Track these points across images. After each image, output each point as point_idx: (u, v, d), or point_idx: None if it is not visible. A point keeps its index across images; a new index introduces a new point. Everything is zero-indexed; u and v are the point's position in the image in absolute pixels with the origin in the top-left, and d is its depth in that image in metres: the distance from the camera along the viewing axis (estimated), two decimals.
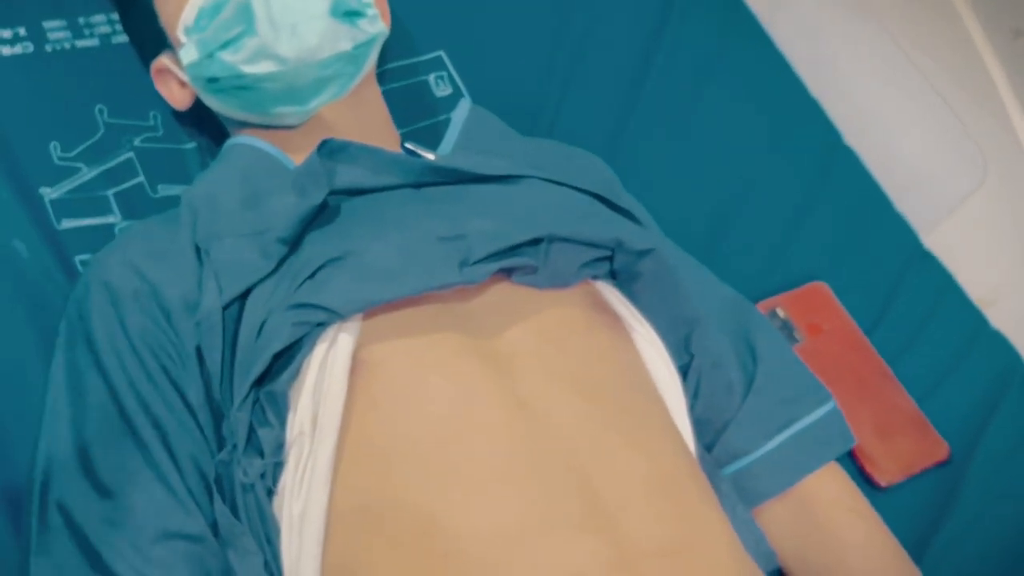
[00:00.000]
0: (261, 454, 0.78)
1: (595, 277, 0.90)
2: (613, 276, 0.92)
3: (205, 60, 0.91)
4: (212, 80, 0.92)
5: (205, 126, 1.06)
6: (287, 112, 0.93)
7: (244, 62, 0.89)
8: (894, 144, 1.27)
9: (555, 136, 1.15)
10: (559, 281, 0.86)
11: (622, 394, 0.82)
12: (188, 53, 0.92)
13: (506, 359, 0.79)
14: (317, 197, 0.83)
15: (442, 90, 1.18)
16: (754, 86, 1.27)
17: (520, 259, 0.83)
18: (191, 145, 1.08)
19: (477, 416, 0.75)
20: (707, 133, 1.22)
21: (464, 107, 1.05)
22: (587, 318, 0.86)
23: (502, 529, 0.70)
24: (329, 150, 0.87)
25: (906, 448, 1.04)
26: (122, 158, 1.04)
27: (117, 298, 0.83)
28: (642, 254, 0.89)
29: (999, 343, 1.14)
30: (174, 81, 0.99)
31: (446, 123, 1.04)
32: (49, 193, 1.00)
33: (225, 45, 0.89)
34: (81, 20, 1.09)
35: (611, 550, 0.70)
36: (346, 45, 0.90)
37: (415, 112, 1.15)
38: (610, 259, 0.90)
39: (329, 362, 0.77)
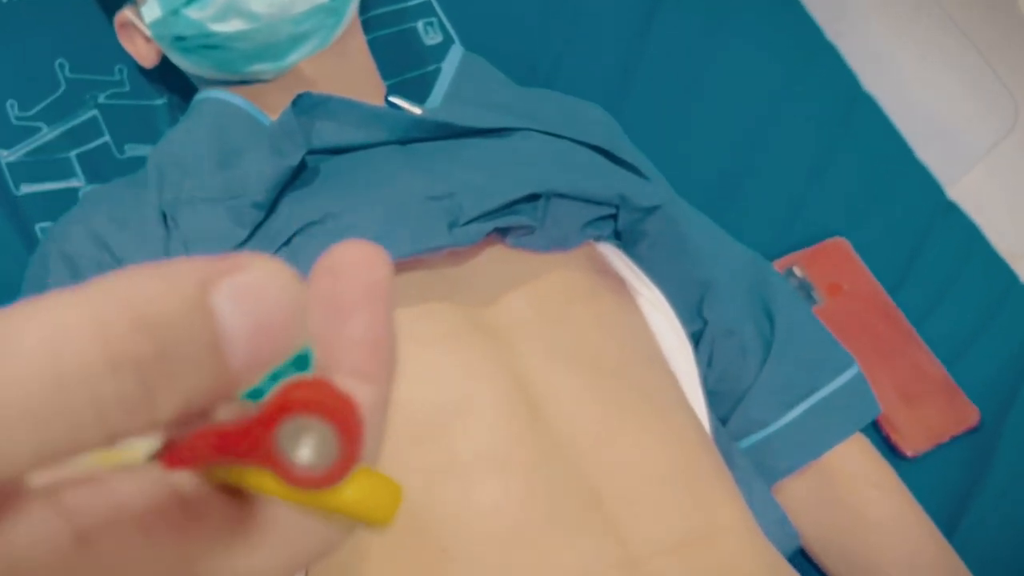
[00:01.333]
0: None
1: (598, 238, 0.85)
2: (617, 236, 0.87)
3: (170, 17, 0.84)
4: (179, 39, 0.86)
5: (176, 81, 1.00)
6: (262, 69, 0.87)
7: (212, 19, 0.83)
8: (917, 90, 1.21)
9: (555, 86, 1.10)
10: (559, 242, 0.80)
11: (629, 369, 0.77)
12: (151, 10, 0.86)
13: (503, 332, 0.74)
14: (294, 157, 0.78)
15: (432, 37, 1.12)
16: (767, 30, 1.21)
17: (516, 218, 0.78)
18: (161, 101, 1.03)
19: (474, 397, 0.70)
20: (718, 81, 1.17)
21: (455, 55, 0.98)
22: (590, 283, 0.80)
23: (501, 527, 0.65)
24: (306, 105, 0.81)
25: (934, 415, 0.99)
26: (85, 116, 0.99)
27: (78, 270, 0.79)
28: (648, 211, 0.84)
29: None
30: (139, 36, 0.93)
31: (436, 73, 0.98)
32: (6, 156, 0.95)
33: (190, 1, 0.82)
34: None
35: (617, 548, 0.65)
36: None
37: (403, 62, 1.09)
38: (614, 217, 0.85)
39: None
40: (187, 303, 0.19)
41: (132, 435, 0.19)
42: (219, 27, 0.83)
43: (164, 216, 0.79)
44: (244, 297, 0.19)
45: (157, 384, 0.18)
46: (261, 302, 0.20)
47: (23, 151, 0.95)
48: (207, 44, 0.85)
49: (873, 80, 1.20)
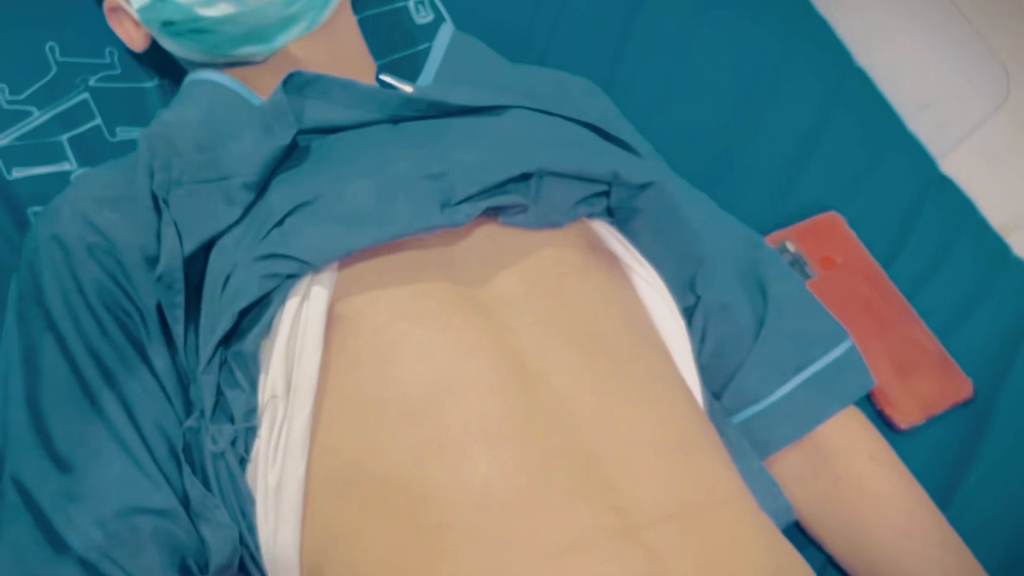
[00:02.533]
0: (231, 420, 0.72)
1: (591, 215, 0.85)
2: (610, 214, 0.86)
3: (158, 3, 0.84)
4: (167, 24, 0.86)
5: (167, 63, 0.99)
6: (252, 52, 0.87)
7: (200, 4, 0.82)
8: (908, 63, 1.21)
9: (547, 63, 1.10)
10: (551, 220, 0.80)
11: (622, 343, 0.76)
12: None
13: (496, 308, 0.73)
14: (285, 137, 0.77)
15: (423, 16, 1.12)
16: (758, 5, 1.21)
17: (508, 197, 0.78)
18: (152, 83, 1.02)
19: (467, 373, 0.69)
20: (709, 56, 1.16)
21: (446, 33, 0.98)
22: (583, 260, 0.80)
23: (496, 498, 0.65)
24: (297, 84, 0.80)
25: (927, 387, 0.99)
26: (76, 100, 0.98)
27: (70, 253, 0.78)
28: (641, 188, 0.83)
29: None
30: (129, 21, 0.92)
31: (427, 52, 0.97)
32: None
33: None
34: None
35: (614, 517, 0.65)
36: None
37: (394, 41, 1.09)
38: (607, 194, 0.84)
39: (302, 318, 0.72)
40: None
41: None
42: (207, 11, 0.83)
43: (155, 198, 0.78)
44: None
45: None
46: None
47: (14, 135, 0.94)
48: (195, 28, 0.85)
49: (865, 54, 1.19)
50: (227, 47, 0.86)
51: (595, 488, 0.66)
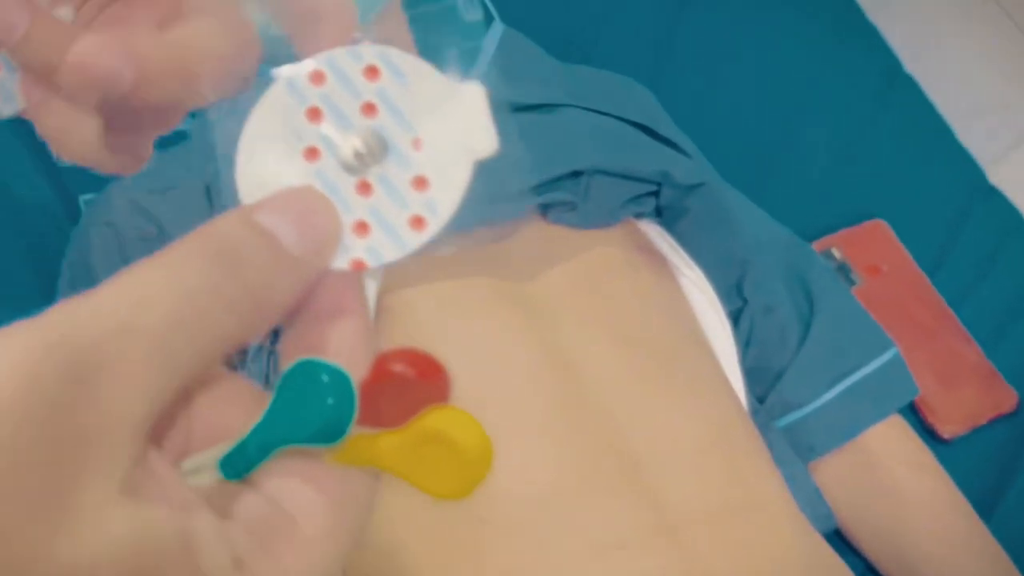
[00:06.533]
0: None
1: (638, 215, 0.85)
2: (658, 214, 0.86)
3: None
4: None
5: None
6: None
7: None
8: (957, 71, 1.20)
9: (593, 63, 1.09)
10: (600, 219, 0.80)
11: (667, 344, 0.76)
12: None
13: (541, 304, 0.73)
14: None
15: (472, 14, 1.11)
16: (807, 9, 1.20)
17: (558, 194, 0.78)
18: None
19: (511, 367, 0.70)
20: (756, 60, 1.16)
21: (496, 31, 0.98)
22: (630, 260, 0.80)
23: (536, 492, 0.65)
24: None
25: (971, 398, 0.98)
26: None
27: (122, 241, 0.78)
28: (691, 189, 0.83)
29: None
30: None
31: (476, 50, 0.97)
32: None
33: None
34: None
35: (653, 515, 0.65)
36: None
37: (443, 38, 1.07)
38: (655, 194, 0.84)
39: None
40: (240, 227, 0.25)
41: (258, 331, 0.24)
42: None
43: (208, 189, 0.79)
44: (277, 204, 0.25)
45: (255, 292, 0.24)
46: (291, 202, 0.26)
47: None
48: None
49: (914, 61, 1.18)
50: None
51: (634, 487, 0.66)
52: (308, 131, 0.28)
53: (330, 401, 0.25)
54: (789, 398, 0.85)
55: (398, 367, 0.26)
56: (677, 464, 0.68)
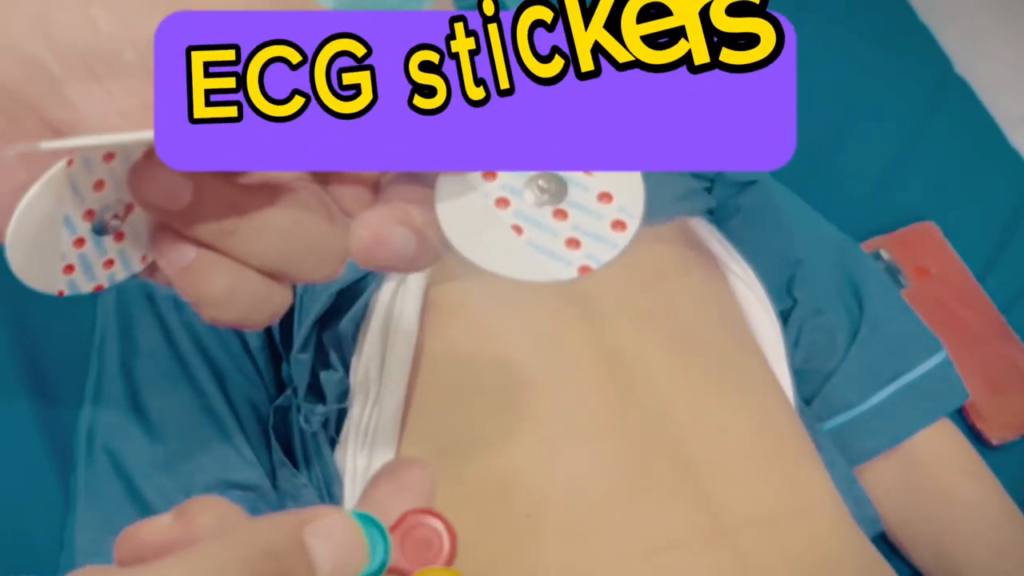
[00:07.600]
0: (323, 400, 0.72)
1: (690, 213, 0.83)
2: (710, 211, 0.85)
3: None
4: None
5: None
6: None
7: None
8: (1010, 74, 1.18)
9: None
10: (651, 216, 0.79)
11: (718, 343, 0.75)
12: None
13: (594, 302, 0.73)
14: None
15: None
16: (858, 10, 1.19)
17: None
18: None
19: (563, 366, 0.69)
20: (807, 61, 1.12)
21: None
22: (681, 257, 0.79)
23: (588, 493, 0.65)
24: None
25: (1020, 404, 0.97)
26: None
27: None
28: (744, 186, 0.82)
29: None
30: None
31: None
32: None
33: None
34: None
35: (706, 518, 0.64)
36: None
37: None
38: (708, 191, 0.83)
39: (398, 302, 0.72)
40: (287, 540, 0.28)
41: None
42: None
43: None
44: (324, 534, 0.28)
45: None
46: (338, 531, 0.29)
47: None
48: None
49: (966, 64, 1.17)
50: None
51: (687, 488, 0.65)
52: (488, 187, 0.32)
53: None
54: (837, 400, 0.84)
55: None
56: (728, 467, 0.67)
